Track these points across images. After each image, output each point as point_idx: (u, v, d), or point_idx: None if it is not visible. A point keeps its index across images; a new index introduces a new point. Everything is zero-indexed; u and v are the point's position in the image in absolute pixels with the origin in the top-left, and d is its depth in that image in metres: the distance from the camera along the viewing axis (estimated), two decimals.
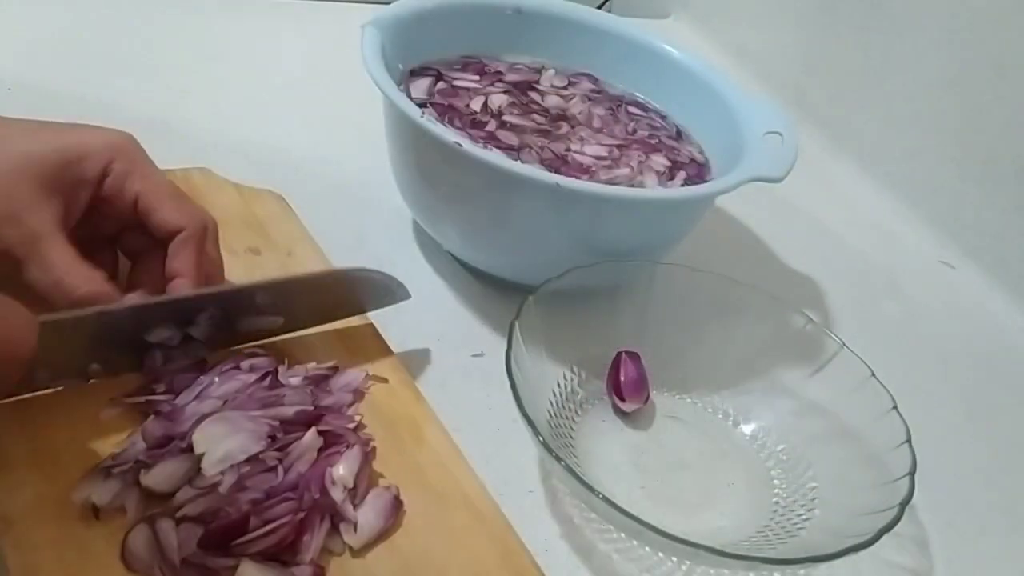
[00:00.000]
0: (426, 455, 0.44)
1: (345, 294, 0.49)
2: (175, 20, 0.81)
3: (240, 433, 0.40)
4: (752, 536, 0.45)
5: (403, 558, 0.39)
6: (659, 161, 0.59)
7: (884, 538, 0.39)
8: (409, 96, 0.55)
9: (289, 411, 0.42)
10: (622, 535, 0.43)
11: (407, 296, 0.50)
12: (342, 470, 0.41)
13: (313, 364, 0.47)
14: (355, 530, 0.39)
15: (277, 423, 0.41)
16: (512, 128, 0.58)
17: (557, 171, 0.52)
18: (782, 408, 0.51)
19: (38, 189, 0.42)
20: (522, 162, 0.53)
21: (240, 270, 0.52)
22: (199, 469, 0.38)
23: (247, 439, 0.40)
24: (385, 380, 0.48)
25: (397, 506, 0.41)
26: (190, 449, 0.39)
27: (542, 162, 0.55)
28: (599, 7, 0.76)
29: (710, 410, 0.52)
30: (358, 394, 0.46)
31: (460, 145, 0.48)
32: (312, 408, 0.43)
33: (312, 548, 0.38)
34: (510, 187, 0.50)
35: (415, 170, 0.55)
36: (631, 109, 0.64)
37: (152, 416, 0.41)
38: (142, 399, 0.42)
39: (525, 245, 0.54)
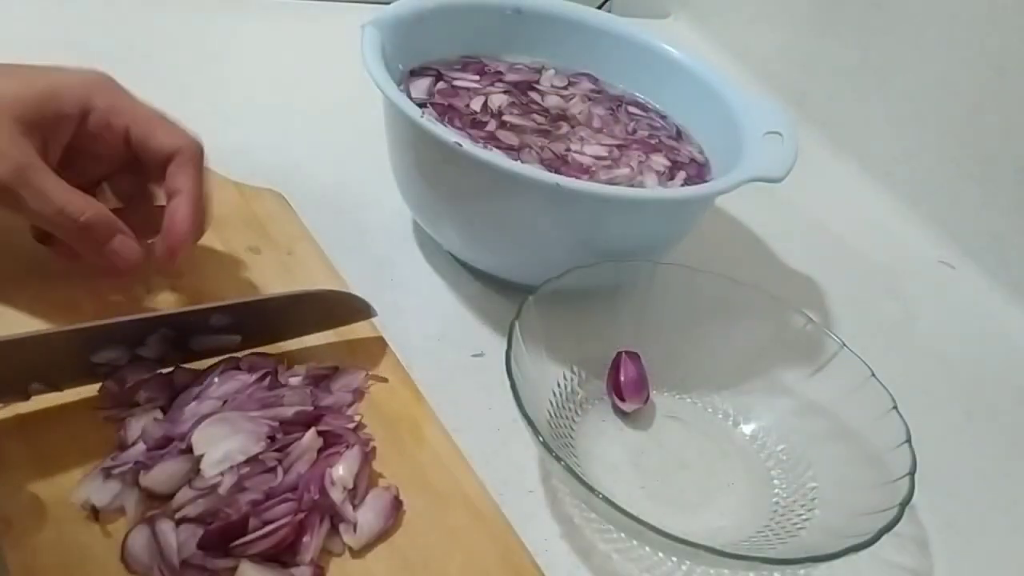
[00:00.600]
0: (426, 455, 0.44)
1: (303, 315, 0.48)
2: (175, 20, 0.81)
3: (239, 434, 0.40)
4: (752, 536, 0.45)
5: (403, 558, 0.39)
6: (659, 161, 0.59)
7: (884, 538, 0.39)
8: (409, 96, 0.55)
9: (288, 411, 0.42)
10: (622, 535, 0.43)
11: (373, 315, 0.49)
12: (342, 470, 0.40)
13: (313, 364, 0.47)
14: (355, 530, 0.39)
15: (277, 423, 0.41)
16: (512, 128, 0.58)
17: (557, 171, 0.52)
18: (782, 408, 0.51)
19: (16, 126, 0.41)
20: (522, 162, 0.53)
21: (240, 269, 0.52)
22: (199, 470, 0.39)
23: (246, 440, 0.40)
24: (385, 380, 0.48)
25: (397, 506, 0.41)
26: (189, 450, 0.39)
27: (542, 162, 0.55)
28: (599, 7, 0.76)
29: (710, 410, 0.52)
30: (358, 394, 0.46)
31: (460, 145, 0.48)
32: (312, 408, 0.43)
33: (312, 549, 0.38)
34: (510, 187, 0.50)
35: (415, 170, 0.55)
36: (631, 109, 0.64)
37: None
38: (122, 415, 0.42)
39: (525, 245, 0.53)
